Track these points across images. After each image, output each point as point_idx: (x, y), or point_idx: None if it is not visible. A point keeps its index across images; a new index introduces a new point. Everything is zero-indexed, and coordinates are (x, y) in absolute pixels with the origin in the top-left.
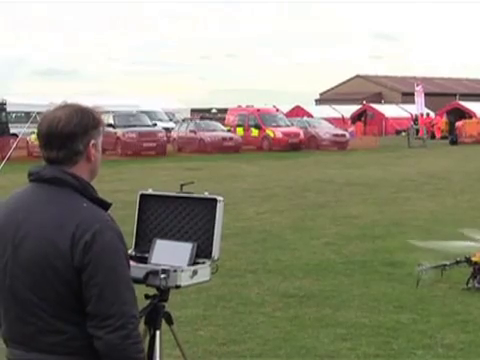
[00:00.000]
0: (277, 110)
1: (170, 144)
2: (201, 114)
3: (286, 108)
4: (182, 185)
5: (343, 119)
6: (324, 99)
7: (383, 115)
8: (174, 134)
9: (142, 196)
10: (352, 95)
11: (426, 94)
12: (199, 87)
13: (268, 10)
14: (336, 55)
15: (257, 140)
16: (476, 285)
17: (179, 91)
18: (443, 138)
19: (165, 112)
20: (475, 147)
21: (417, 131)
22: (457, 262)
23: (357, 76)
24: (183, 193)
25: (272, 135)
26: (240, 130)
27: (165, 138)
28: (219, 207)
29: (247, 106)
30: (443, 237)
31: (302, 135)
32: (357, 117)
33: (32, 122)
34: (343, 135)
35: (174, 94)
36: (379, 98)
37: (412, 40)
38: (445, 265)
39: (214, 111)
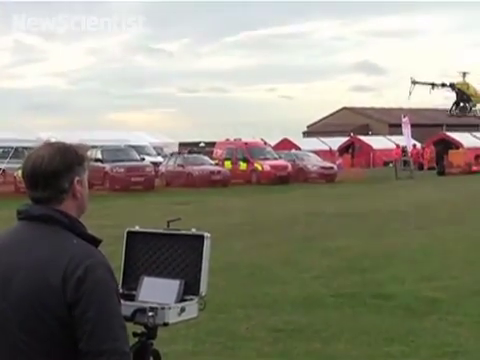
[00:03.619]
0: (265, 143)
1: (158, 178)
2: (189, 148)
3: (274, 141)
4: (169, 222)
5: (331, 151)
6: (312, 131)
7: (370, 147)
8: (162, 168)
9: (129, 233)
10: (339, 127)
11: (413, 125)
12: (187, 121)
13: (253, 43)
14: (323, 87)
15: (245, 173)
16: (458, 113)
17: (167, 125)
18: (430, 169)
19: (153, 146)
20: (462, 178)
21: (405, 162)
22: (443, 85)
23: (344, 108)
24: (170, 230)
25: (260, 168)
26: (228, 164)
27: (153, 172)
28: (206, 244)
29: (235, 139)
30: (431, 269)
31: (290, 168)
32: (345, 149)
33: (14, 157)
34: (331, 167)
35: (162, 128)
36: (366, 130)
37: (398, 72)
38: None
39: (202, 145)
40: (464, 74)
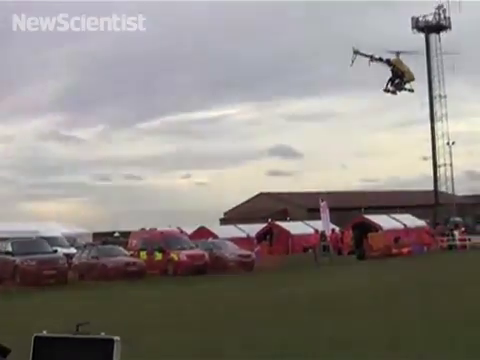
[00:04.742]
0: (181, 232)
1: (71, 271)
2: (103, 238)
3: (190, 229)
4: (78, 325)
5: (249, 238)
6: (229, 218)
7: (289, 233)
8: (75, 261)
9: (36, 339)
10: (257, 213)
11: (331, 209)
12: (101, 210)
13: (168, 129)
14: (239, 172)
15: (161, 264)
16: (391, 88)
17: (80, 215)
18: (350, 253)
19: (66, 237)
20: (383, 262)
21: (324, 248)
22: (380, 59)
23: (261, 193)
24: (79, 334)
25: (176, 258)
26: (143, 254)
27: (66, 265)
28: (116, 348)
29: (150, 229)
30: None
31: (207, 257)
32: (263, 236)
33: None
34: (249, 256)
35: (75, 218)
36: (284, 215)
37: (315, 155)
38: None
39: (117, 235)
40: (398, 53)
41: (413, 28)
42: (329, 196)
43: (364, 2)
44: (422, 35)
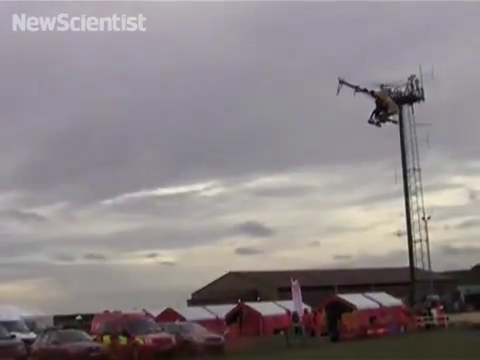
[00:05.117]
0: (147, 314)
1: (30, 358)
2: (65, 322)
3: (157, 311)
4: None
5: (217, 320)
6: (197, 299)
7: (259, 314)
8: (35, 346)
9: None
10: (226, 293)
11: (303, 288)
12: (62, 292)
13: (132, 206)
14: (207, 251)
15: (126, 349)
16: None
17: (40, 297)
18: (324, 334)
19: (25, 321)
20: (357, 344)
21: (296, 329)
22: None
23: (230, 273)
24: None
25: (142, 343)
26: (107, 339)
27: (25, 351)
28: None
29: (114, 312)
30: None
31: (174, 341)
32: (232, 317)
33: None
34: (218, 339)
35: (35, 300)
36: (255, 295)
37: (285, 232)
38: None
39: (79, 318)
40: (382, 86)
41: None
42: (301, 274)
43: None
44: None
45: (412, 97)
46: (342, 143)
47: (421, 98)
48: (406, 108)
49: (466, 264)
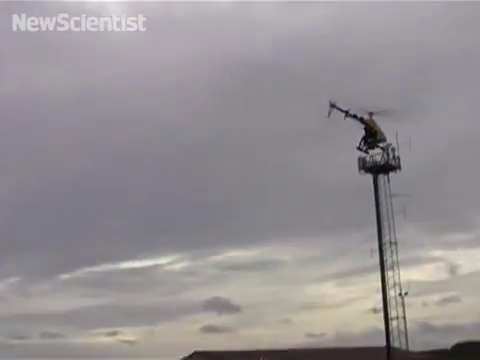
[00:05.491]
0: None
1: None
2: None
3: None
4: None
5: None
6: None
7: None
8: None
9: None
10: None
11: None
12: None
13: (92, 280)
14: (170, 329)
15: None
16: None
17: None
18: None
19: None
20: None
21: None
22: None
23: (195, 352)
24: None
25: None
26: None
27: None
28: None
29: None
30: None
31: None
32: None
33: None
34: None
35: None
36: None
37: (254, 308)
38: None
39: None
40: (371, 114)
41: (360, 169)
42: (271, 354)
43: (311, 141)
44: (370, 175)
45: (388, 166)
46: (314, 214)
47: (397, 167)
48: (381, 178)
49: (446, 343)
